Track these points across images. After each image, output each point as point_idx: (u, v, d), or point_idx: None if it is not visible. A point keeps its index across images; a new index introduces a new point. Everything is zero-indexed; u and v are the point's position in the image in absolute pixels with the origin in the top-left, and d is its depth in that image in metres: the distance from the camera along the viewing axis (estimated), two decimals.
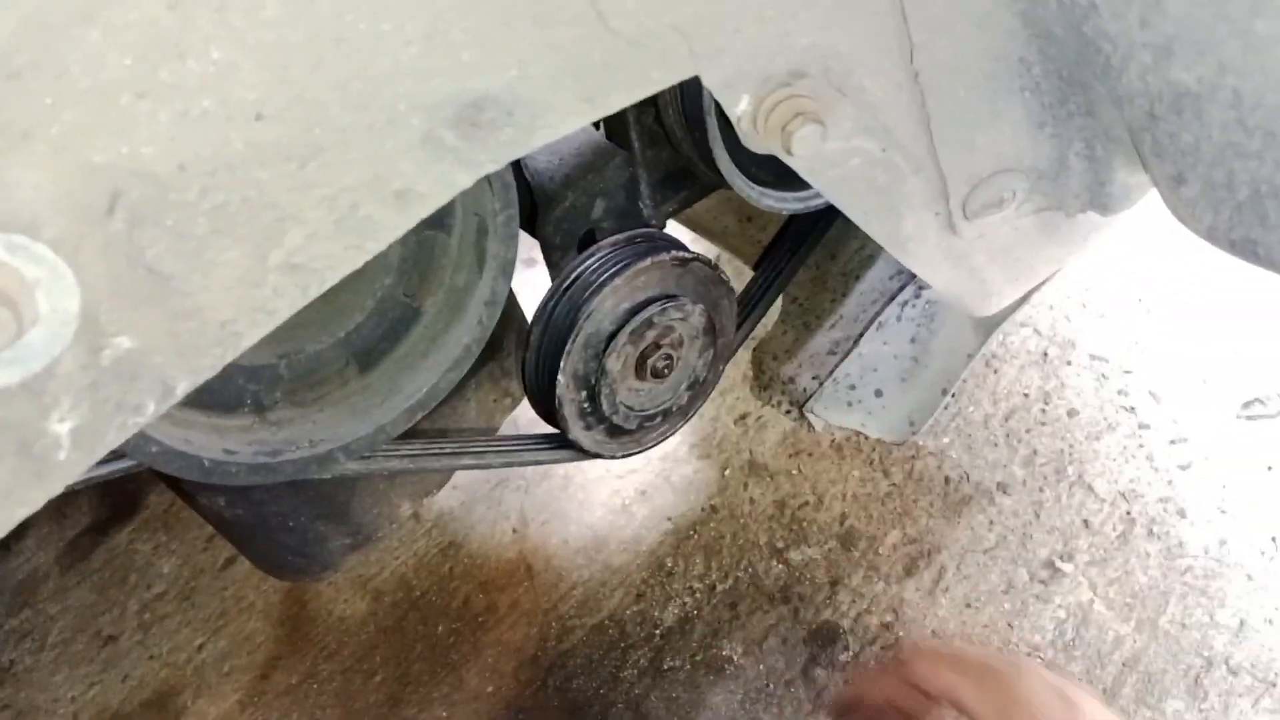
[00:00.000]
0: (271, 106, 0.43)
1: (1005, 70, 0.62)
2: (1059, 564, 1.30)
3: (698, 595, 1.32)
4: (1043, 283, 0.86)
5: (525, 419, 1.03)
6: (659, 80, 0.54)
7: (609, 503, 1.44)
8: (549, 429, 0.90)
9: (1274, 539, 1.29)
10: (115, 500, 1.56)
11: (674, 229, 1.00)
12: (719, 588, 1.33)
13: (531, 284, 1.01)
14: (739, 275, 1.09)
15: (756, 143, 0.60)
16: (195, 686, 1.35)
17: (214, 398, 0.66)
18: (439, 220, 0.70)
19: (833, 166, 0.64)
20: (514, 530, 1.44)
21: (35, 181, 0.39)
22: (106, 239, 0.41)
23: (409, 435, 0.76)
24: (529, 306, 0.85)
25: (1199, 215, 0.59)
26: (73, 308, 0.41)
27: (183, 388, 0.47)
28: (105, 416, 0.44)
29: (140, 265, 0.42)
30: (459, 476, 1.17)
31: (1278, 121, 0.49)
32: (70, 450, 0.44)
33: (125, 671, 1.38)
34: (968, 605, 1.28)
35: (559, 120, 0.53)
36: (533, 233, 0.85)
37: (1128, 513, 1.33)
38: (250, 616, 1.41)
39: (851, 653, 1.25)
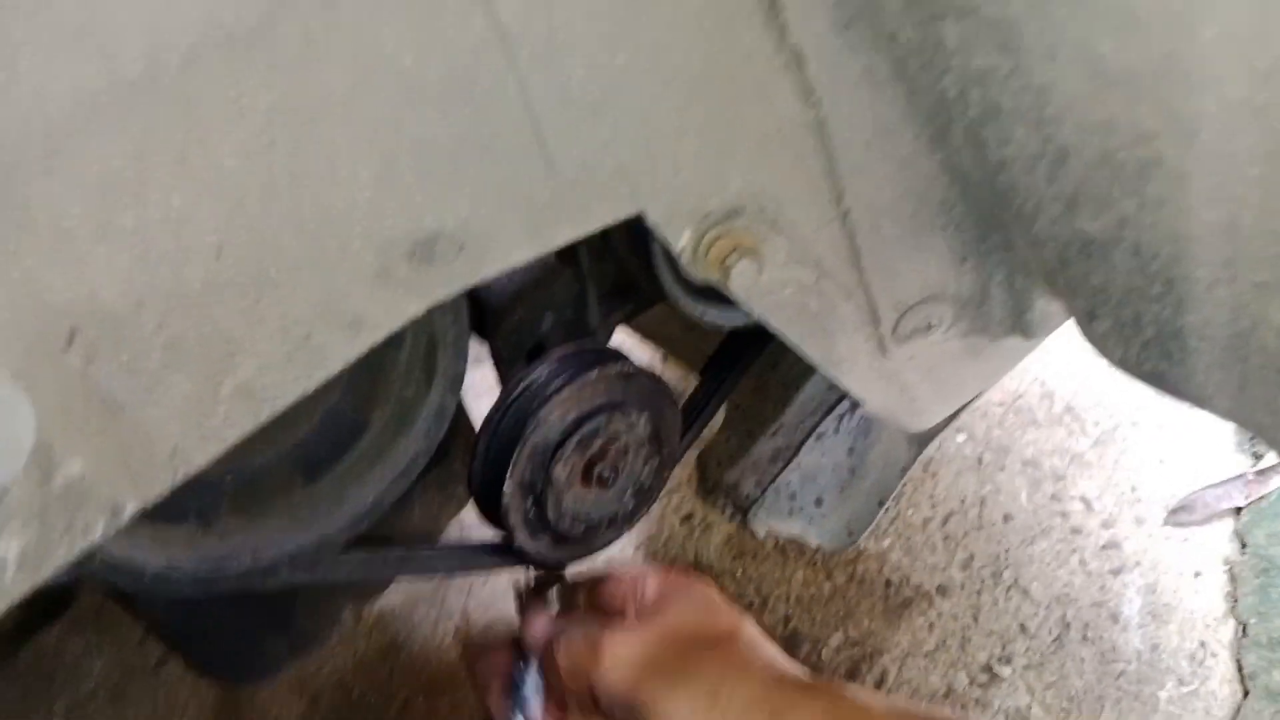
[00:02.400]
0: (229, 245, 0.45)
1: (928, 209, 0.67)
2: (997, 668, 1.32)
3: None
4: (971, 400, 0.89)
5: (471, 520, 1.03)
6: (603, 217, 0.58)
7: None
8: (494, 534, 0.91)
9: (1203, 644, 1.32)
10: (44, 597, 1.52)
11: (619, 334, 1.02)
12: None
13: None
14: (684, 380, 1.12)
15: (697, 273, 0.63)
16: None
17: (158, 508, 0.66)
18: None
19: (768, 294, 0.67)
20: (457, 631, 1.43)
21: None
22: (63, 372, 0.43)
23: (354, 544, 0.77)
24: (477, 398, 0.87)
25: (1111, 348, 0.63)
26: (27, 437, 0.42)
27: (131, 509, 0.48)
28: (53, 539, 0.45)
29: (95, 396, 0.44)
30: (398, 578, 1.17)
31: (1173, 270, 0.53)
32: (16, 572, 0.45)
33: None
34: None
35: (507, 254, 0.55)
36: (483, 339, 0.87)
37: (1062, 617, 1.36)
38: (183, 719, 1.38)
39: None
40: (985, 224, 0.68)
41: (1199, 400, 0.63)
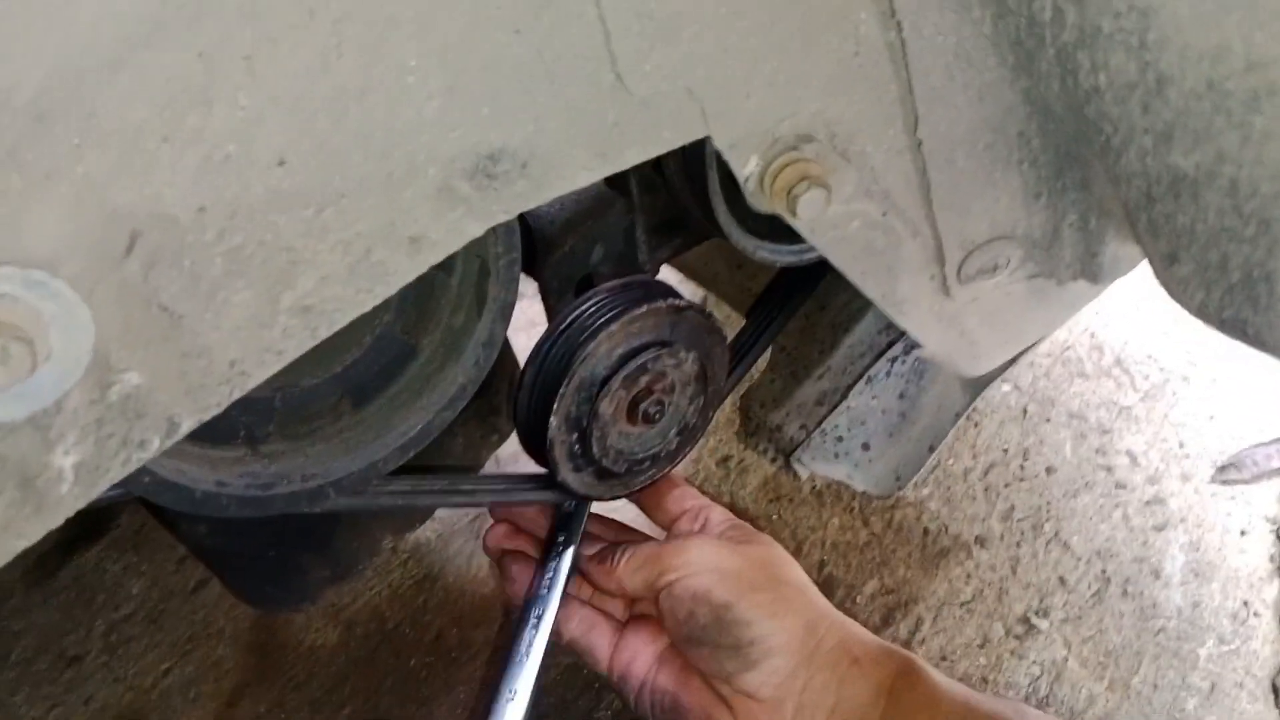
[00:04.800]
0: (294, 154, 0.44)
1: (1004, 143, 0.64)
2: (1034, 620, 1.31)
3: None
4: (1031, 346, 0.87)
5: (505, 454, 1.03)
6: (670, 140, 0.55)
7: None
8: (535, 468, 0.90)
9: (1246, 603, 1.31)
10: (85, 518, 1.54)
11: (664, 272, 1.00)
12: None
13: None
14: (728, 320, 1.10)
15: (761, 203, 0.61)
16: (160, 712, 1.33)
17: (208, 428, 0.66)
18: (441, 261, 0.71)
19: (833, 228, 0.65)
20: (491, 566, 1.44)
21: (56, 220, 0.39)
22: (123, 278, 0.41)
23: (399, 472, 0.76)
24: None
25: (1191, 293, 0.60)
26: (86, 345, 0.41)
27: (187, 425, 0.47)
28: (110, 452, 0.44)
29: (154, 305, 0.43)
30: (439, 509, 1.17)
31: (1272, 210, 0.51)
32: (73, 485, 0.44)
33: (88, 693, 1.36)
34: (943, 658, 1.28)
35: (572, 175, 0.53)
36: (532, 274, 0.85)
37: (1103, 571, 1.35)
38: (219, 643, 1.40)
39: None
40: (1063, 160, 0.65)
41: None
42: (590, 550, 0.92)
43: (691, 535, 0.85)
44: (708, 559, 0.81)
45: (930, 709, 0.75)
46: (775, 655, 0.78)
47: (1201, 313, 0.62)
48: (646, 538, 0.93)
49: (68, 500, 0.45)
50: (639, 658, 0.87)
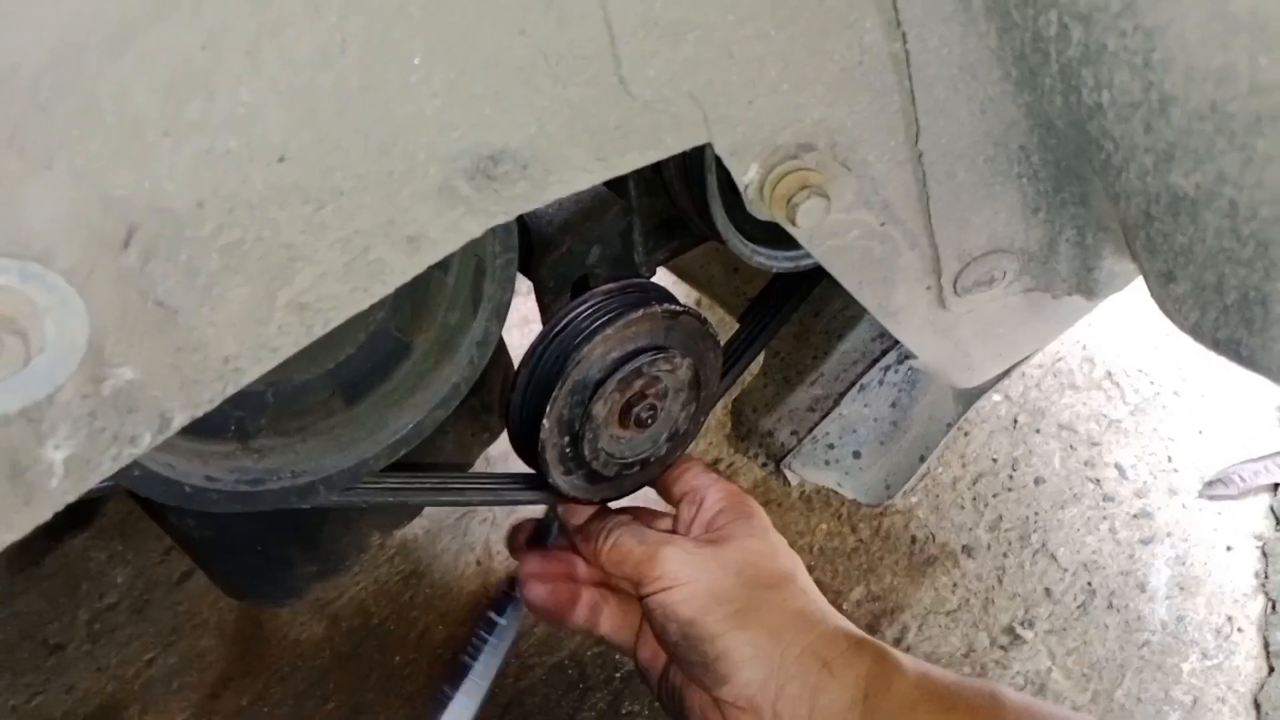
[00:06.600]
0: (295, 149, 0.43)
1: (1005, 156, 0.64)
2: (1019, 630, 1.31)
3: None
4: (1024, 359, 0.87)
5: (495, 453, 1.03)
6: (671, 145, 0.55)
7: None
8: (525, 468, 0.90)
9: (1230, 618, 1.31)
10: (72, 506, 1.52)
11: (659, 273, 1.00)
12: None
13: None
14: (721, 324, 1.10)
15: (761, 210, 0.61)
16: (142, 702, 1.33)
17: (199, 422, 0.65)
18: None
19: (831, 237, 0.65)
20: (478, 563, 1.44)
21: (53, 210, 0.39)
22: (119, 271, 0.41)
23: (389, 469, 0.76)
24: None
25: (1185, 312, 0.60)
26: (80, 338, 0.41)
27: (179, 420, 0.47)
28: (101, 446, 0.44)
29: (150, 298, 0.42)
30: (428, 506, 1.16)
31: (1270, 233, 0.51)
32: (63, 478, 0.44)
33: (71, 682, 1.35)
34: None
35: (572, 177, 0.53)
36: (527, 274, 0.85)
37: (1089, 583, 1.35)
38: (204, 634, 1.39)
39: None
40: (1062, 175, 0.65)
41: (1273, 372, 0.61)
42: (577, 518, 0.92)
43: (667, 541, 0.83)
44: (681, 572, 0.81)
45: (909, 709, 0.75)
46: (743, 668, 0.77)
47: (1196, 332, 0.62)
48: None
49: (57, 494, 0.44)
50: (660, 656, 0.87)
